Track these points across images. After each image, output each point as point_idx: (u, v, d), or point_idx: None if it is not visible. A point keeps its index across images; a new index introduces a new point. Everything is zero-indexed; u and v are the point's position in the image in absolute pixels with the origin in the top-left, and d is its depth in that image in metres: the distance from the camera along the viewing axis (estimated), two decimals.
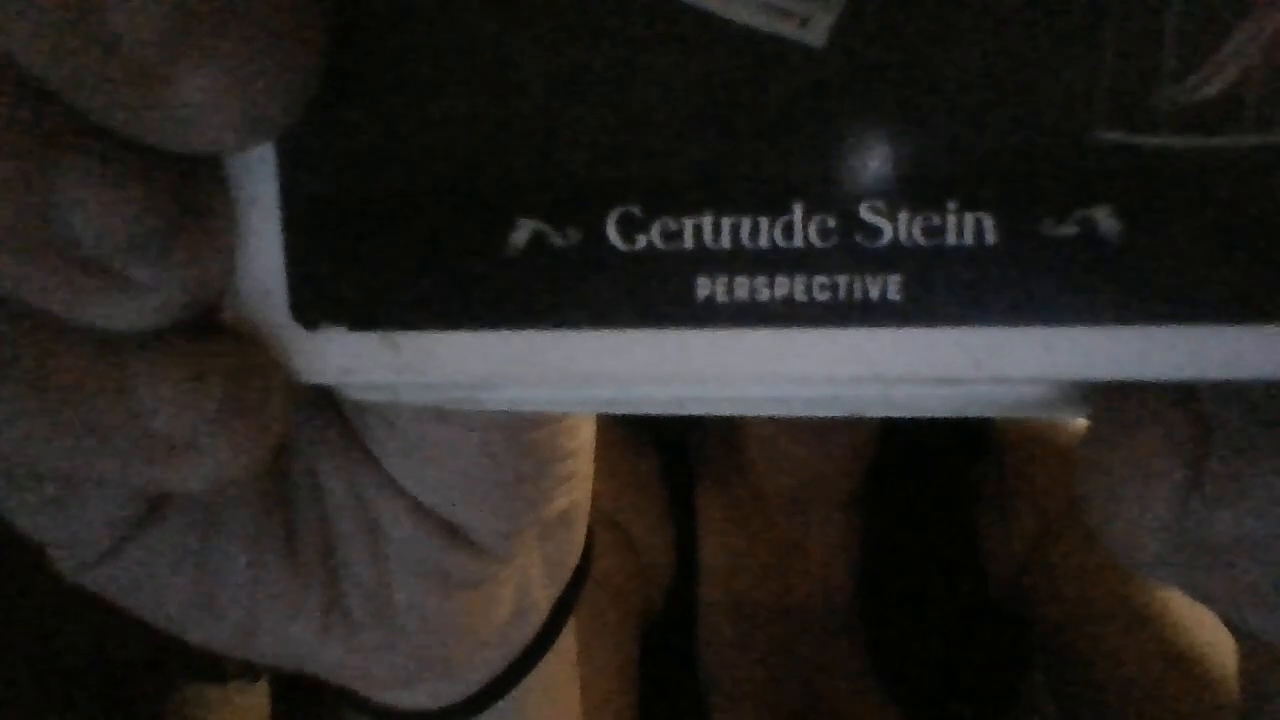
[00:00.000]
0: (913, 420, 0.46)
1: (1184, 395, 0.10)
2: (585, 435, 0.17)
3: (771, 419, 0.52)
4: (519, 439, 0.15)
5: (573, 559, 0.21)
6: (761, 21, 0.09)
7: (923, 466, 0.53)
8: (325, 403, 0.15)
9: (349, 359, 0.10)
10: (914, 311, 0.09)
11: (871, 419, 0.53)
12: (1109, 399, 0.10)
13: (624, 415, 0.57)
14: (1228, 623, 0.14)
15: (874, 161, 0.09)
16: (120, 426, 0.09)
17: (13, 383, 0.09)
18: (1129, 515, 0.10)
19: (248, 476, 0.10)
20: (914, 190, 0.09)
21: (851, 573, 0.54)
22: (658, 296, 0.10)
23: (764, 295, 0.10)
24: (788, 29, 0.09)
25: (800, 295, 0.10)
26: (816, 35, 0.09)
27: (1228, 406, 0.09)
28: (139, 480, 0.10)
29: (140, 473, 0.10)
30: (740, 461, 0.56)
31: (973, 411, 0.11)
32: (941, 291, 0.09)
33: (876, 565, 0.53)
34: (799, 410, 0.11)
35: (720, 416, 0.56)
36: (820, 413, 0.11)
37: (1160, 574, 0.10)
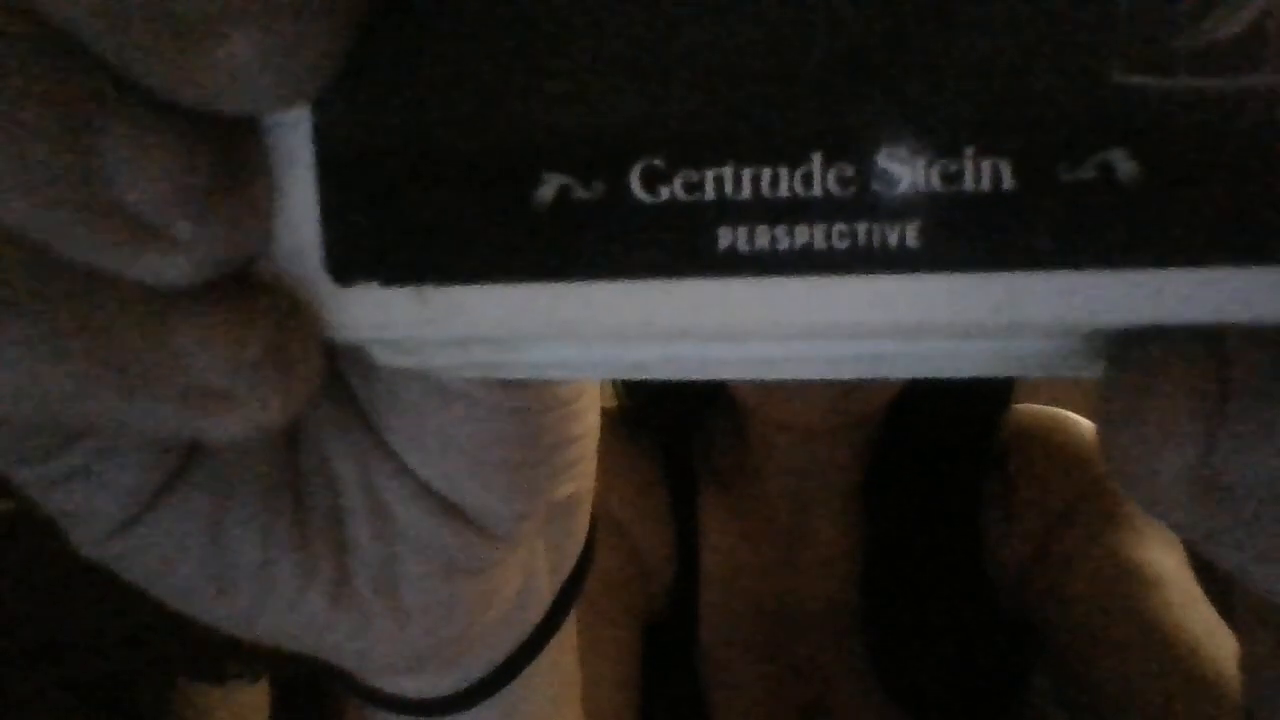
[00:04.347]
0: (916, 420, 0.46)
1: (1205, 338, 0.10)
2: (590, 421, 0.17)
3: (773, 418, 0.52)
4: (526, 422, 0.15)
5: (576, 547, 0.21)
6: None
7: (926, 467, 0.53)
8: (337, 384, 0.15)
9: (381, 315, 0.11)
10: (932, 258, 0.09)
11: (873, 418, 0.53)
12: (1128, 348, 0.10)
13: (625, 416, 0.57)
14: (1243, 616, 0.14)
15: (891, 109, 0.09)
16: (163, 374, 0.10)
17: (59, 331, 0.09)
18: (1152, 462, 0.10)
19: (282, 426, 0.11)
20: (931, 137, 0.09)
21: (853, 574, 0.54)
22: (681, 247, 0.10)
23: (784, 244, 0.10)
24: None
25: (820, 243, 0.10)
26: None
27: (1250, 349, 0.09)
28: (177, 427, 0.10)
29: (181, 420, 0.10)
30: (742, 462, 0.56)
31: (992, 370, 0.11)
32: (959, 238, 0.09)
33: (878, 566, 0.53)
34: (820, 370, 0.11)
35: (722, 416, 0.56)
36: (842, 373, 0.11)
37: (1184, 524, 0.10)
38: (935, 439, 0.53)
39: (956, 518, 0.53)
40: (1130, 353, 0.10)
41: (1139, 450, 0.10)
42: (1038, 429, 0.53)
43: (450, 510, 0.15)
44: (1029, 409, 0.55)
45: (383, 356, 0.12)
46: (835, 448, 0.53)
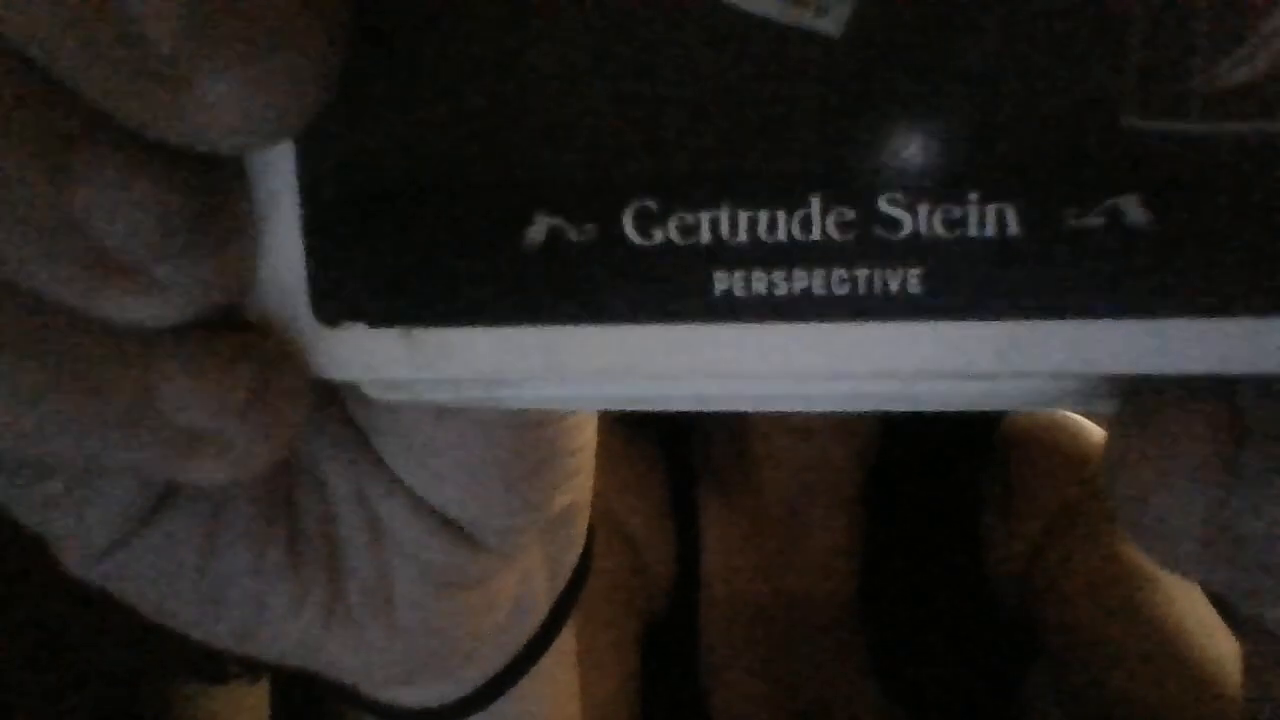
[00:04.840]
0: (916, 420, 0.45)
1: (1217, 389, 0.09)
2: (587, 434, 0.17)
3: (774, 419, 0.52)
4: (522, 437, 0.15)
5: (573, 558, 0.21)
6: (777, 11, 0.09)
7: (925, 467, 0.53)
8: (330, 400, 0.15)
9: (369, 356, 0.10)
10: (935, 305, 0.09)
11: (873, 419, 0.53)
12: (1138, 393, 0.10)
13: (625, 415, 0.57)
14: (1246, 621, 0.14)
15: (893, 152, 0.09)
16: (144, 418, 0.10)
17: (38, 374, 0.09)
18: (1162, 514, 0.09)
19: (266, 469, 0.10)
20: (934, 181, 0.09)
21: (853, 574, 0.54)
22: (675, 291, 0.10)
23: (782, 289, 0.09)
24: (804, 18, 0.09)
25: (819, 289, 0.09)
26: (834, 24, 0.09)
27: (1263, 400, 0.09)
28: (160, 472, 0.10)
29: (163, 464, 0.10)
30: (742, 463, 0.56)
31: (996, 406, 0.11)
32: (963, 284, 0.09)
33: (878, 566, 0.53)
34: (820, 406, 0.11)
35: (723, 417, 0.56)
36: (842, 408, 0.11)
37: (1194, 573, 0.10)
38: (935, 439, 0.53)
39: (956, 518, 0.52)
40: (1141, 399, 0.10)
41: (1147, 501, 0.10)
42: (1038, 429, 0.53)
43: (445, 525, 0.15)
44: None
45: (374, 393, 0.12)
46: (835, 448, 0.53)
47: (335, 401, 0.15)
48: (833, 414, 0.49)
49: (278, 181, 0.10)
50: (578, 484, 0.17)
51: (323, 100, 0.09)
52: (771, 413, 0.49)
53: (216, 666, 0.70)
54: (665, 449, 0.56)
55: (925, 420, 0.52)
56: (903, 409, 0.11)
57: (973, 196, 0.09)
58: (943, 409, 0.11)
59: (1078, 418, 0.54)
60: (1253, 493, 0.09)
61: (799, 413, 0.47)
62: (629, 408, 0.12)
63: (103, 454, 0.10)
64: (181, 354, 0.10)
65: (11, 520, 0.12)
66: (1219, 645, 0.43)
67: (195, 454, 0.10)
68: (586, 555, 0.22)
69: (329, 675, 0.17)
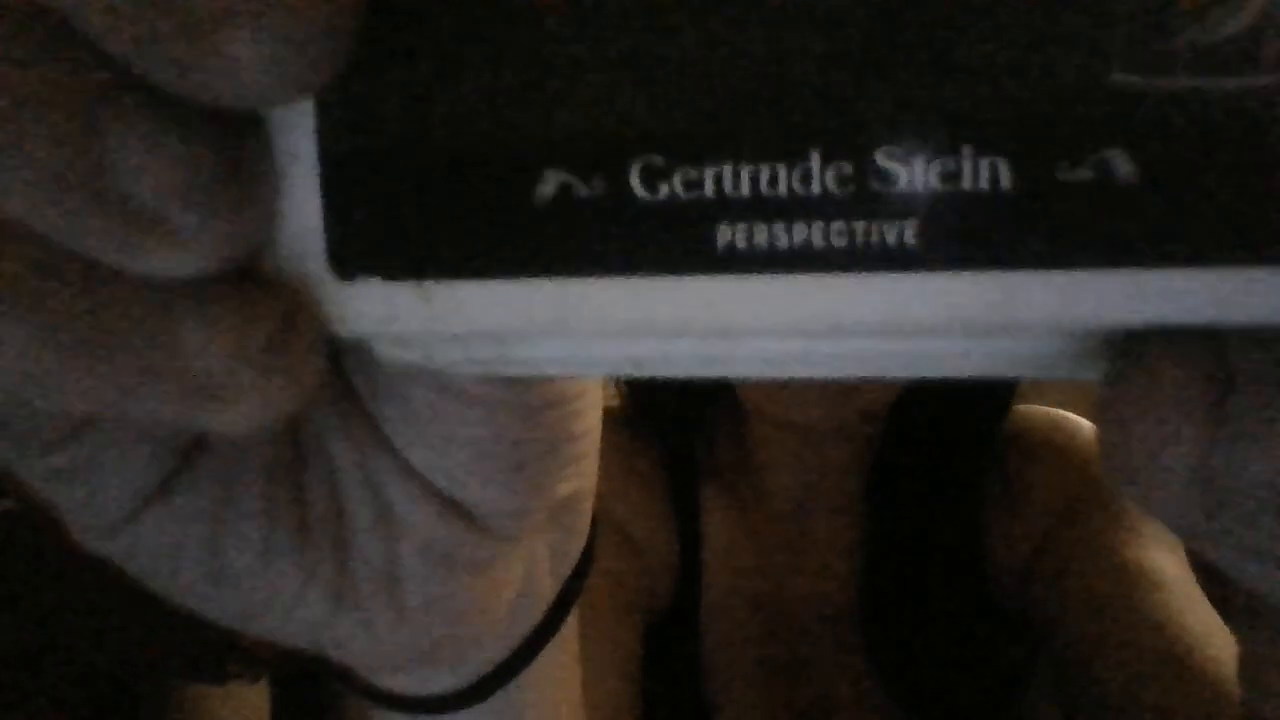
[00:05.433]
0: (916, 421, 0.45)
1: (1205, 338, 0.09)
2: (593, 420, 0.17)
3: (775, 418, 0.52)
4: (529, 419, 0.15)
5: (577, 546, 0.21)
6: None
7: (926, 467, 0.53)
8: (338, 381, 0.15)
9: (384, 309, 0.11)
10: (930, 257, 0.09)
11: (875, 418, 0.53)
12: (1127, 350, 0.10)
13: (626, 415, 0.57)
14: (1240, 617, 0.14)
15: (889, 108, 0.09)
16: (166, 367, 0.10)
17: (64, 324, 0.09)
18: (1151, 462, 0.10)
19: (284, 420, 0.11)
20: (929, 136, 0.09)
21: (854, 573, 0.54)
22: (679, 244, 0.10)
23: (782, 242, 0.10)
24: None
25: (818, 241, 0.10)
26: None
27: (1250, 349, 0.09)
28: (180, 420, 0.10)
29: (182, 413, 0.10)
30: (744, 462, 0.56)
31: (992, 370, 0.11)
32: (957, 237, 0.09)
33: (879, 566, 0.53)
34: (820, 369, 0.11)
35: (724, 416, 0.56)
36: (841, 372, 0.11)
37: (1182, 524, 0.10)
38: (936, 439, 0.53)
39: (957, 517, 0.52)
40: (1129, 352, 0.10)
41: (1138, 450, 0.10)
42: (1038, 429, 0.53)
43: (452, 508, 0.15)
44: (1029, 409, 0.55)
45: (385, 353, 0.12)
46: (837, 447, 0.53)
47: (344, 383, 0.15)
48: (833, 414, 0.49)
49: (297, 139, 0.10)
50: (582, 470, 0.18)
51: (343, 60, 0.09)
52: (764, 398, 0.49)
53: (216, 666, 0.70)
54: (668, 448, 0.56)
55: (926, 420, 0.53)
56: (899, 374, 0.11)
57: (966, 150, 0.09)
58: (938, 374, 0.11)
59: (1077, 418, 0.54)
60: (1238, 442, 0.09)
61: (794, 406, 0.48)
62: (633, 373, 0.12)
63: (124, 405, 0.10)
64: (200, 304, 0.10)
65: (12, 520, 0.12)
66: (1219, 645, 0.43)
67: (215, 403, 0.10)
68: (590, 546, 0.22)
69: (334, 658, 0.17)
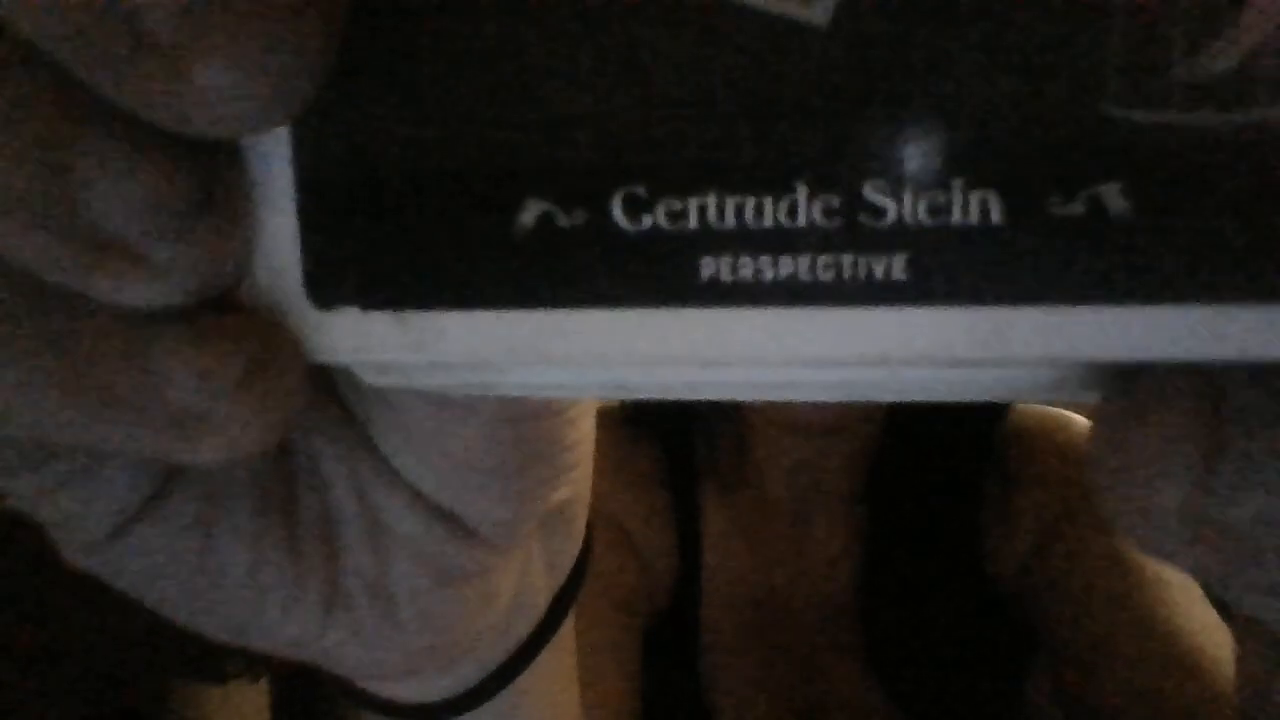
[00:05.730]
0: (916, 419, 0.45)
1: (1199, 376, 0.09)
2: (586, 428, 0.17)
3: (775, 419, 0.52)
4: (521, 428, 0.15)
5: (572, 553, 0.21)
6: (764, 1, 0.09)
7: (926, 466, 0.53)
8: (327, 391, 0.15)
9: (362, 339, 0.11)
10: (919, 291, 0.09)
11: (874, 418, 0.53)
12: (1121, 381, 0.10)
13: (627, 415, 0.57)
14: (1239, 619, 0.14)
15: (877, 141, 0.09)
16: (140, 398, 0.10)
17: (36, 355, 0.09)
18: (1144, 500, 0.09)
19: (261, 451, 0.10)
20: (918, 169, 0.09)
21: (854, 572, 0.54)
22: (662, 276, 0.10)
23: (768, 275, 0.10)
24: (792, 8, 0.09)
25: (804, 275, 0.09)
26: (820, 14, 0.09)
27: (1244, 387, 0.09)
28: (156, 452, 0.10)
29: (159, 444, 0.10)
30: (744, 462, 0.56)
31: (983, 396, 0.11)
32: (947, 271, 0.09)
33: (878, 566, 0.53)
34: (809, 394, 0.11)
35: (723, 416, 0.56)
36: (830, 397, 0.11)
37: (1176, 560, 0.10)
38: (935, 439, 0.53)
39: (956, 517, 0.52)
40: (1123, 386, 0.10)
41: (1132, 486, 0.10)
42: (1038, 429, 0.53)
43: (444, 517, 0.15)
44: (1029, 409, 0.55)
45: (368, 377, 0.12)
46: (836, 447, 0.53)
47: (332, 394, 0.15)
48: (832, 414, 0.49)
49: (273, 167, 0.10)
50: (575, 478, 0.17)
51: (317, 88, 0.09)
52: (761, 401, 0.49)
53: (216, 666, 0.70)
54: (667, 448, 0.56)
55: (925, 420, 0.53)
56: (889, 399, 0.11)
57: (956, 184, 0.09)
58: (928, 399, 0.11)
59: (1078, 417, 0.54)
60: (1234, 480, 0.09)
61: (793, 406, 0.48)
62: (619, 396, 0.12)
63: (99, 436, 0.10)
64: (177, 335, 0.10)
65: (12, 520, 0.12)
66: (1218, 645, 0.43)
67: (192, 435, 0.10)
68: (585, 551, 0.22)
69: (327, 668, 0.17)
